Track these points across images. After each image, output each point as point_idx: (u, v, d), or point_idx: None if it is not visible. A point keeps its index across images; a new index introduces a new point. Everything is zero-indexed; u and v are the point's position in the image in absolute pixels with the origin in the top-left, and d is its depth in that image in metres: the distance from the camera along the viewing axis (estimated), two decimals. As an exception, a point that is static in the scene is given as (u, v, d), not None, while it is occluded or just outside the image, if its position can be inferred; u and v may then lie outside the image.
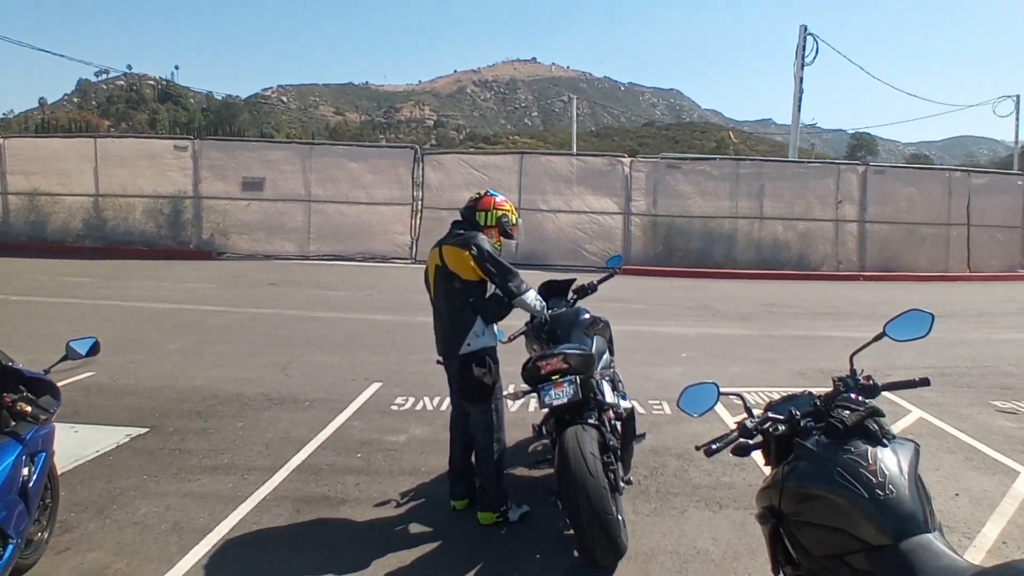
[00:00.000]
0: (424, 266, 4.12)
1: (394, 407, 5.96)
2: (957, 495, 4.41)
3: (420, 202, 17.82)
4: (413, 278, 11.70)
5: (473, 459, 4.04)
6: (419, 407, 5.96)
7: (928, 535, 1.80)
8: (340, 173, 17.88)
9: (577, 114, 36.27)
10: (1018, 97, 31.57)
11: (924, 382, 2.37)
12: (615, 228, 17.96)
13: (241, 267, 15.75)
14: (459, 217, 4.07)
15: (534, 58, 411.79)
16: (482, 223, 3.97)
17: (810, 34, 22.86)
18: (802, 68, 22.91)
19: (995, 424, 5.90)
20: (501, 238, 4.08)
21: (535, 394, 3.70)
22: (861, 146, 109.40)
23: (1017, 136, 33.16)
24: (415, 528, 3.84)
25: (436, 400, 6.05)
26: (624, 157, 18.77)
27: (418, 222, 17.69)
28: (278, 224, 17.66)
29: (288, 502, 4.11)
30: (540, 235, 17.49)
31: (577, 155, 20.37)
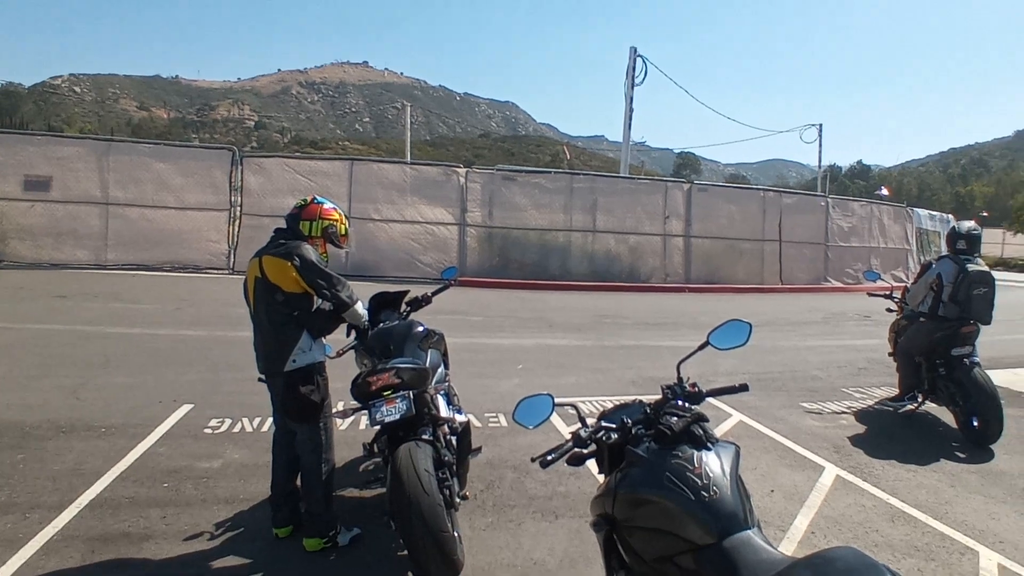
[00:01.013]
0: (243, 277, 3.91)
1: (208, 430, 5.58)
2: (772, 491, 4.87)
3: (239, 208, 16.97)
4: (231, 290, 11.08)
5: (299, 482, 3.89)
6: (237, 429, 5.63)
7: (748, 531, 1.96)
8: (145, 174, 16.55)
9: (411, 122, 36.08)
10: (821, 126, 35.59)
11: (743, 388, 2.59)
12: (450, 239, 18.15)
13: (22, 277, 14.07)
14: (283, 224, 3.93)
15: (366, 62, 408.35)
16: (306, 233, 3.86)
17: (640, 56, 24.44)
18: (632, 88, 24.38)
19: (804, 424, 6.60)
20: (328, 247, 3.99)
21: (366, 411, 3.64)
22: (686, 165, 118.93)
23: (820, 160, 37.71)
24: (232, 561, 3.61)
25: (256, 421, 5.75)
26: (459, 167, 19.02)
27: (236, 230, 16.81)
28: (69, 229, 16.03)
29: (80, 542, 3.72)
30: (372, 245, 17.29)
31: (411, 164, 20.36)
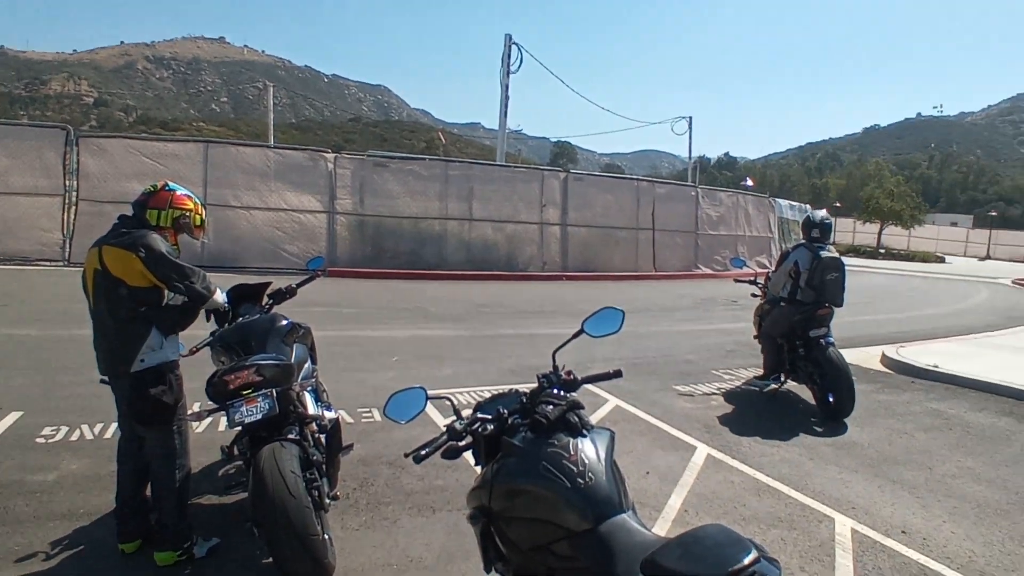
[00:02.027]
0: (81, 269, 3.61)
1: (40, 439, 5.14)
2: (648, 473, 5.10)
3: (75, 193, 15.79)
4: (67, 283, 10.29)
5: (148, 492, 3.66)
6: (75, 437, 5.22)
7: (623, 515, 2.03)
8: (-38, 155, 15.14)
9: (275, 103, 34.94)
10: (691, 118, 37.38)
11: (617, 374, 2.67)
12: (319, 227, 17.72)
13: None
14: (129, 211, 3.65)
15: (223, 37, 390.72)
16: (154, 223, 3.59)
17: (515, 43, 24.66)
18: (508, 76, 24.60)
19: (677, 406, 6.95)
20: (182, 236, 3.76)
21: (223, 412, 3.49)
22: (563, 154, 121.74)
23: (691, 152, 39.69)
24: (72, 582, 3.36)
25: (98, 427, 5.35)
26: (328, 152, 18.60)
27: (72, 217, 15.67)
28: None
29: None
30: (231, 235, 16.61)
31: (275, 148, 19.65)
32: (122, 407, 3.58)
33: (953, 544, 4.20)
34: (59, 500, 4.20)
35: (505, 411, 2.34)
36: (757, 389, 7.56)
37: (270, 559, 3.26)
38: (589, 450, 2.15)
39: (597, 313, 2.74)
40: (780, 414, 6.94)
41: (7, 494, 4.23)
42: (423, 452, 2.26)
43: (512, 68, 24.63)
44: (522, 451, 2.20)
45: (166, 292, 3.54)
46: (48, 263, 15.06)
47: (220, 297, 3.80)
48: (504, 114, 25.12)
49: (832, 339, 7.03)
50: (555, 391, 2.41)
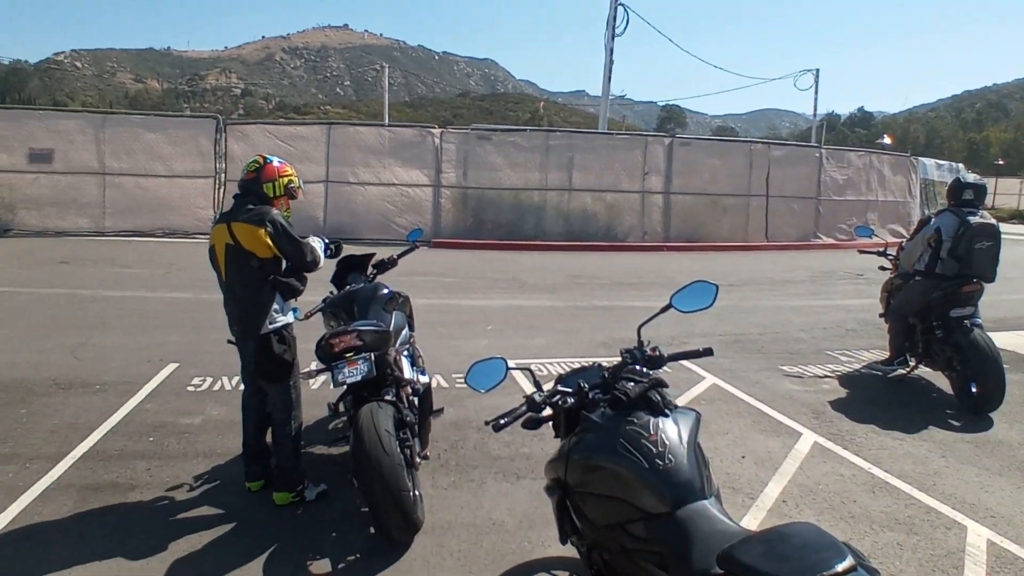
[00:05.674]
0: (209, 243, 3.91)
1: (190, 388, 5.76)
2: (743, 457, 4.69)
3: (224, 175, 16.97)
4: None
5: (269, 439, 4.01)
6: (217, 387, 5.79)
7: (704, 502, 1.95)
8: (137, 144, 16.76)
9: (390, 84, 35.59)
10: (817, 71, 33.02)
11: (708, 352, 2.55)
12: (425, 200, 18.01)
13: (30, 244, 14.51)
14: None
15: (346, 24, 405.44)
16: (271, 194, 3.85)
17: (621, 4, 22.98)
18: (612, 39, 23.04)
19: (782, 388, 6.35)
20: (290, 203, 4.02)
21: (330, 372, 3.71)
22: (671, 118, 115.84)
23: (816, 109, 34.92)
24: (208, 511, 3.77)
25: (235, 380, 5.82)
26: (434, 128, 18.74)
27: (222, 195, 16.85)
28: (70, 199, 16.44)
29: (73, 491, 3.92)
30: (349, 208, 17.39)
31: (388, 126, 20.10)
32: (249, 365, 3.89)
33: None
34: (202, 441, 4.70)
35: (586, 385, 2.30)
36: (881, 374, 6.70)
37: (367, 508, 3.45)
38: (671, 431, 2.08)
39: (688, 287, 2.62)
40: (907, 403, 6.05)
41: (163, 433, 4.80)
42: (502, 421, 2.25)
43: (617, 31, 23.08)
44: (600, 427, 2.16)
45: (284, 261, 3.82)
46: (203, 236, 16.25)
47: (321, 257, 3.98)
48: (608, 80, 23.58)
49: (979, 320, 6.01)
50: (638, 367, 2.34)
